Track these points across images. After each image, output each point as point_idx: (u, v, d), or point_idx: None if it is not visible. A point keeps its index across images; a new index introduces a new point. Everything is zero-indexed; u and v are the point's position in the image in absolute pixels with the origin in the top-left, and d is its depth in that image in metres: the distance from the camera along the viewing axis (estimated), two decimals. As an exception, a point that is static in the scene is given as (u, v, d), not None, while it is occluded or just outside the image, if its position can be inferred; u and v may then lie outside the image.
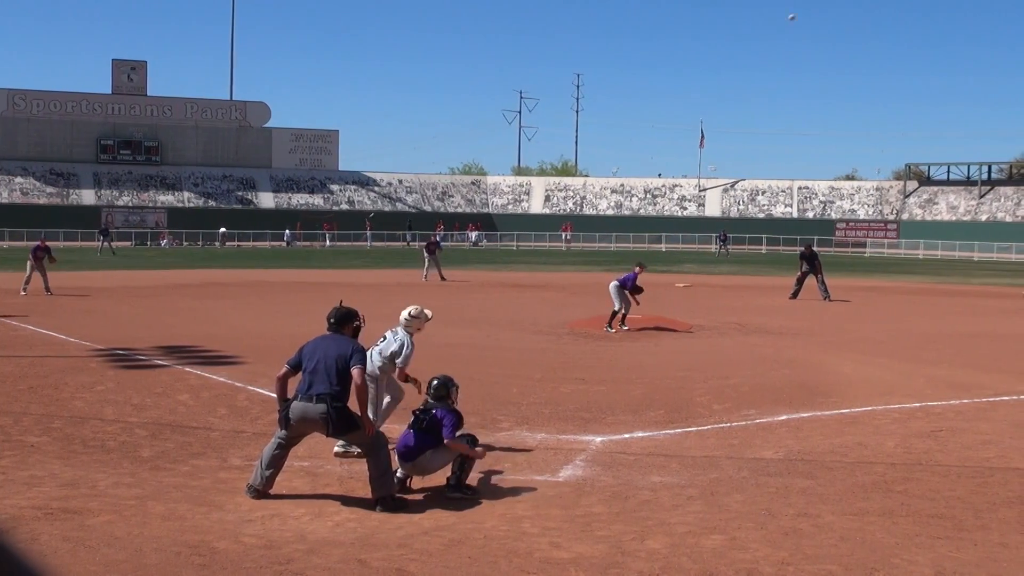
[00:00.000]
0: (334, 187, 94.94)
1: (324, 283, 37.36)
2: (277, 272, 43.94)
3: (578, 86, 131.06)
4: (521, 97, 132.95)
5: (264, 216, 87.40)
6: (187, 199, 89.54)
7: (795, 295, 32.51)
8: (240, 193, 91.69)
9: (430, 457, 9.35)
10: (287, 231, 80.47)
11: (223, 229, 78.61)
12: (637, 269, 23.31)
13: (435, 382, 9.75)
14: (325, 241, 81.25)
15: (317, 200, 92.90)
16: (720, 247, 74.20)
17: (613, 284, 22.77)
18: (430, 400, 9.63)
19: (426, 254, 40.45)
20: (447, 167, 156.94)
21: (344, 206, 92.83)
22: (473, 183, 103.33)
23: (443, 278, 39.21)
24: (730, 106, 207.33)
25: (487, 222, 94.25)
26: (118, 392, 13.83)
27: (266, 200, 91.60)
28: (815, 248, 36.07)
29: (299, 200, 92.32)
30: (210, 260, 53.99)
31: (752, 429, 12.25)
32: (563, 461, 10.53)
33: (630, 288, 22.51)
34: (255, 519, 8.34)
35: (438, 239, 43.20)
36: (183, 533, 7.90)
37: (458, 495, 9.25)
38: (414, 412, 9.61)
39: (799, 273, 33.29)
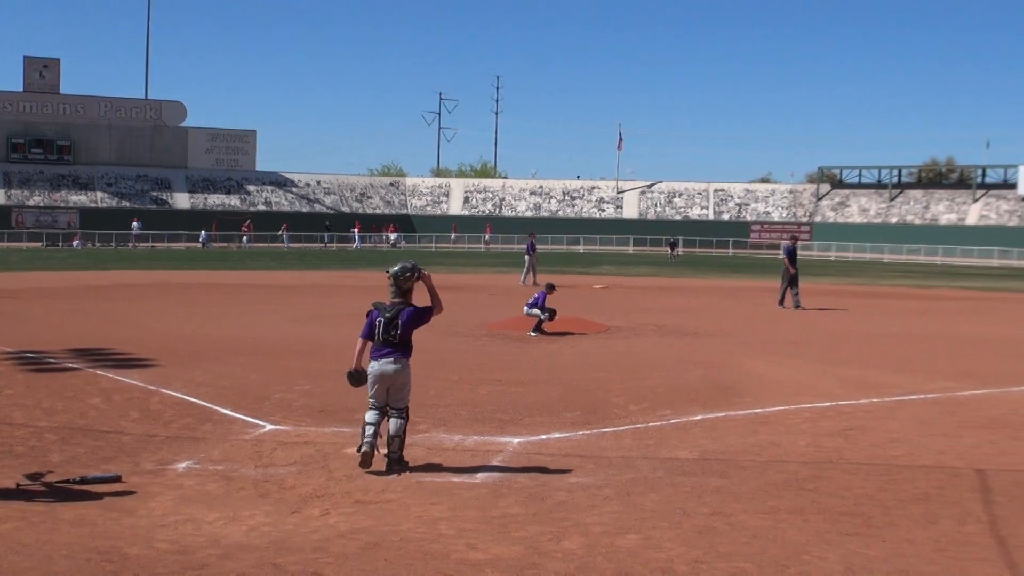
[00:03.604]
0: (251, 188, 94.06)
1: (242, 284, 37.01)
2: (193, 274, 43.42)
3: (497, 88, 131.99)
4: (441, 98, 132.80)
5: (179, 217, 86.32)
6: (100, 199, 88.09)
7: (785, 300, 30.04)
8: (155, 193, 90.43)
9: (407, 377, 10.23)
10: (203, 232, 79.47)
11: (136, 223, 77.34)
12: (546, 290, 23.13)
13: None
14: (243, 242, 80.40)
15: (234, 201, 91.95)
16: (672, 252, 74.72)
17: (525, 309, 22.77)
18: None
19: (527, 257, 40.20)
20: (366, 168, 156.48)
21: (261, 207, 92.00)
22: (392, 184, 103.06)
23: (536, 283, 38.87)
24: (648, 109, 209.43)
25: (406, 223, 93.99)
26: (27, 396, 13.57)
27: (181, 200, 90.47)
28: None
29: (215, 201, 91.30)
30: (123, 261, 53.21)
31: (668, 429, 12.34)
32: (480, 462, 10.54)
33: (541, 306, 22.45)
34: (168, 524, 8.24)
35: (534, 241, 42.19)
36: (93, 539, 7.78)
37: (398, 469, 9.96)
38: (382, 320, 10.21)
39: (791, 271, 30.14)
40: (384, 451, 10.15)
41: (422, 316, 10.26)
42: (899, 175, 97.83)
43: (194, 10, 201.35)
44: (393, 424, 10.12)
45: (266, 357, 17.83)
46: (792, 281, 30.13)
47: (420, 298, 10.45)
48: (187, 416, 12.67)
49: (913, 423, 12.79)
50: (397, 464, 10.09)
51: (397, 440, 10.09)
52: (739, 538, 7.98)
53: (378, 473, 10.03)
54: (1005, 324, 27.22)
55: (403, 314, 10.18)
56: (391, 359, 10.12)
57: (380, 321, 10.17)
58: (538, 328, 22.10)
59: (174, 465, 10.26)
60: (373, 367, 10.17)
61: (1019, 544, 7.98)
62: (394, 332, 10.11)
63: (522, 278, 39.38)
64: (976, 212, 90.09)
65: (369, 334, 10.23)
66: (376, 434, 10.05)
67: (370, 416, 10.17)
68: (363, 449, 9.99)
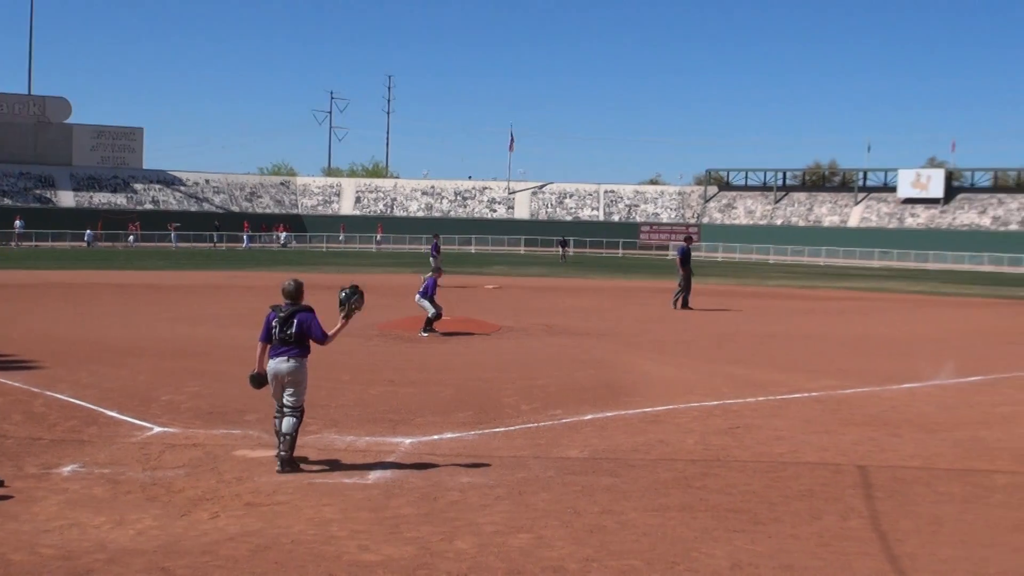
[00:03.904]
0: (138, 186, 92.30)
1: (129, 285, 36.35)
2: (78, 273, 42.48)
3: (389, 87, 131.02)
4: (332, 97, 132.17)
5: (64, 215, 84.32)
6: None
7: (684, 302, 30.05)
8: (38, 191, 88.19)
9: (302, 376, 10.34)
10: (88, 231, 77.76)
11: (19, 221, 75.30)
12: (434, 274, 23.24)
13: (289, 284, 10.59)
14: (129, 241, 78.86)
15: (120, 199, 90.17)
16: (562, 251, 73.99)
17: (416, 297, 22.74)
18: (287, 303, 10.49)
19: (432, 259, 39.39)
20: (256, 167, 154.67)
21: (148, 206, 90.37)
22: (282, 184, 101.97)
23: None
24: (539, 111, 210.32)
25: (297, 223, 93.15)
26: (-96, 399, 13.20)
27: (66, 199, 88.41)
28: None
29: (101, 199, 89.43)
30: (5, 261, 51.84)
31: (559, 429, 12.45)
32: (372, 463, 10.53)
33: (430, 296, 22.45)
34: (52, 529, 8.08)
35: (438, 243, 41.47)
36: (-25, 545, 7.61)
37: (290, 469, 10.07)
38: (277, 320, 10.37)
39: (683, 272, 30.35)
40: (278, 450, 10.26)
41: (317, 332, 10.32)
42: (784, 178, 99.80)
43: (79, 3, 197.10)
44: (286, 423, 10.18)
45: (153, 358, 17.55)
46: (684, 282, 30.47)
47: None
48: (72, 419, 12.43)
49: (797, 421, 13.10)
50: (287, 464, 10.14)
51: (288, 438, 10.17)
52: (629, 536, 8.10)
53: (306, 460, 10.26)
54: (885, 324, 27.95)
55: (299, 315, 10.32)
56: (285, 357, 10.24)
57: (276, 321, 10.31)
58: (428, 328, 22.11)
59: (59, 469, 10.07)
60: (269, 366, 10.33)
61: (899, 538, 8.23)
62: (289, 331, 10.25)
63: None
64: (858, 214, 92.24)
65: (267, 336, 10.37)
66: None
67: (277, 423, 10.36)
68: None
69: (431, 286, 22.62)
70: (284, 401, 10.27)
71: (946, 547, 8.06)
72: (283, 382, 10.28)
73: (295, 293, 10.47)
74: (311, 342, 10.38)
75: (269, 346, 10.38)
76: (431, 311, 22.26)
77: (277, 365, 10.26)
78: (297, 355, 10.27)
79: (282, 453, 10.15)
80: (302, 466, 10.25)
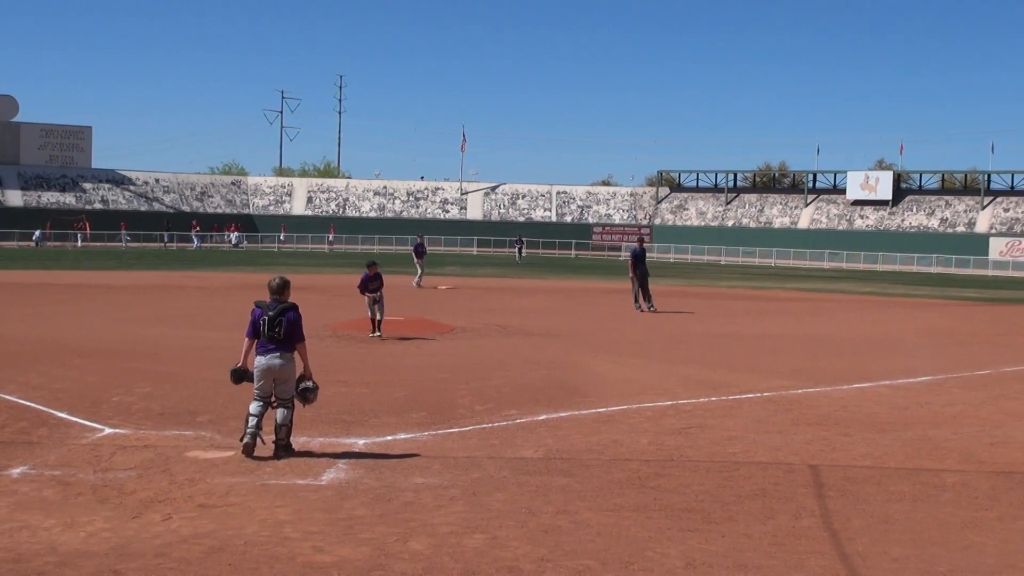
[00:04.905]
0: (87, 185, 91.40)
1: (78, 285, 35.97)
2: (26, 273, 42.01)
3: (340, 87, 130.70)
4: (283, 97, 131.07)
5: (11, 215, 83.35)
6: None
7: (647, 302, 29.90)
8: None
9: (292, 370, 10.86)
10: (37, 231, 76.91)
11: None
12: (367, 270, 22.78)
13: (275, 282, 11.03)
14: (77, 241, 78.04)
15: (69, 199, 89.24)
16: (518, 252, 73.23)
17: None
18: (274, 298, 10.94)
19: (416, 259, 39.41)
20: (206, 167, 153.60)
21: (98, 205, 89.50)
22: (233, 183, 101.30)
23: (421, 285, 38.40)
24: (491, 111, 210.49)
25: (248, 223, 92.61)
26: None
27: (13, 198, 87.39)
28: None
29: (49, 199, 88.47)
30: (-50, 260, 51.17)
31: (513, 429, 12.45)
32: (325, 464, 10.48)
33: (362, 288, 22.08)
34: (2, 532, 7.97)
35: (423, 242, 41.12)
36: (-78, 549, 7.50)
37: (285, 455, 10.67)
38: (265, 318, 10.76)
39: (633, 276, 30.21)
40: (272, 438, 10.76)
41: (299, 335, 10.86)
42: (735, 179, 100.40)
43: (25, 0, 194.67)
44: (280, 414, 10.76)
45: (104, 359, 17.38)
46: (640, 284, 30.32)
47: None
48: (21, 420, 12.29)
49: (750, 421, 13.18)
50: (284, 450, 10.72)
51: (284, 428, 10.74)
52: (584, 536, 8.12)
53: (262, 458, 10.45)
54: (835, 324, 28.20)
55: (288, 314, 10.77)
56: (277, 354, 10.70)
57: (264, 319, 10.70)
58: (378, 328, 21.98)
59: (8, 471, 9.94)
60: (260, 362, 10.75)
61: (851, 537, 8.30)
62: (278, 329, 10.68)
63: (416, 280, 38.96)
64: (808, 216, 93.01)
65: (254, 332, 10.76)
66: (259, 425, 10.66)
67: (253, 408, 10.73)
68: (245, 440, 10.59)
69: (365, 279, 22.24)
70: (276, 395, 10.77)
71: (897, 545, 8.14)
72: (274, 378, 10.71)
73: (281, 289, 10.93)
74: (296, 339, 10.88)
75: (256, 342, 10.80)
76: (367, 304, 22.00)
77: (270, 361, 10.71)
78: (286, 352, 10.76)
79: (279, 441, 10.71)
80: (255, 458, 10.53)
